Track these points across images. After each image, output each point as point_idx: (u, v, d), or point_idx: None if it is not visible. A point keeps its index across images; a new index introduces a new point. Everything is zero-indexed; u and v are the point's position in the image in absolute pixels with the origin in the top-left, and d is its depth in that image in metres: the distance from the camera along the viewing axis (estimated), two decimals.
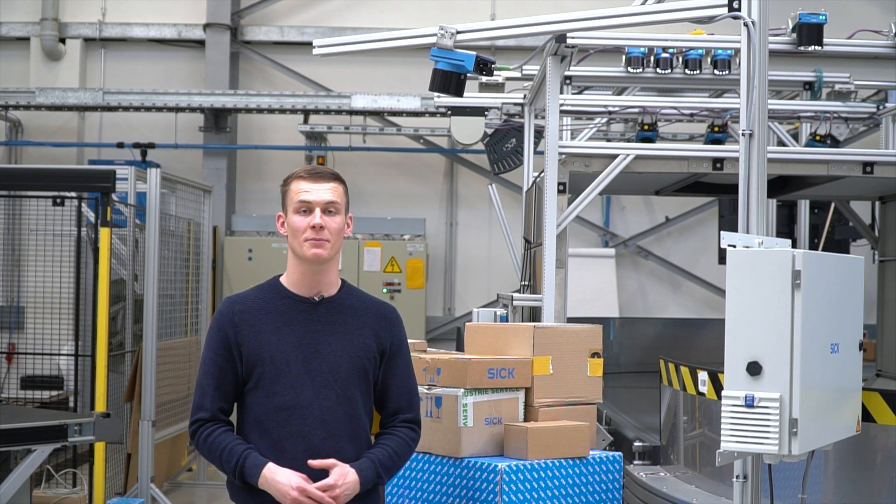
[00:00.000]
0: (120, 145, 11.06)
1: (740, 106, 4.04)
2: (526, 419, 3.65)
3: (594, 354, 3.82)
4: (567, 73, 5.85)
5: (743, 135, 4.00)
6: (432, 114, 10.75)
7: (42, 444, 4.81)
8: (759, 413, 3.21)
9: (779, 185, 6.27)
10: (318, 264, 3.11)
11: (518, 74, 6.77)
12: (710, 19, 4.27)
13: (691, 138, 10.52)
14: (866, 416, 4.41)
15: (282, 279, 3.19)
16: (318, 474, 3.00)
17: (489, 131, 7.18)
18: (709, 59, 5.76)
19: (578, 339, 3.80)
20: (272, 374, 3.06)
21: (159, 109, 10.96)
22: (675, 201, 11.11)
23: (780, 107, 6.18)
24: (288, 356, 3.07)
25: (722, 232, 3.44)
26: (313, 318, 3.12)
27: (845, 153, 5.68)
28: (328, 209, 3.09)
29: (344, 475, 2.99)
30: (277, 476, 2.95)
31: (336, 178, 3.15)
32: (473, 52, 4.51)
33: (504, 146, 7.29)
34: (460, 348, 5.28)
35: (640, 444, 6.05)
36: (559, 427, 3.54)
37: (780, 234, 7.33)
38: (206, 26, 11.32)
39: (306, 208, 3.08)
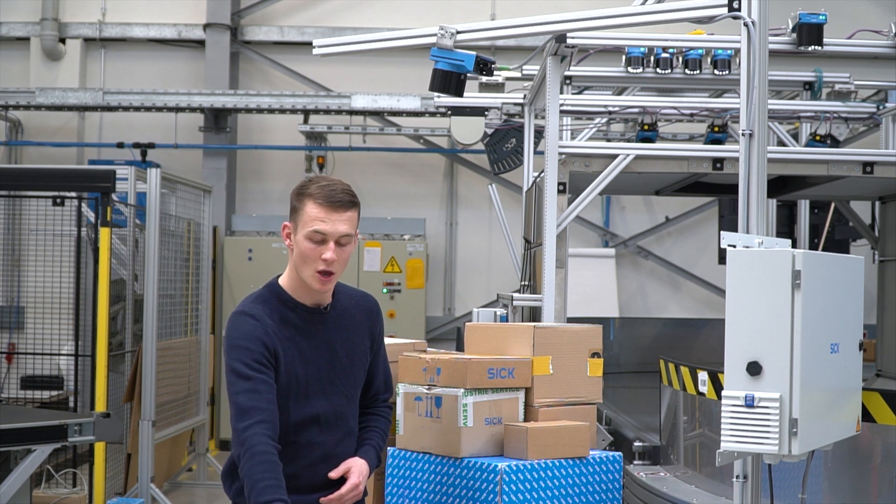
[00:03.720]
0: (120, 145, 11.06)
1: (740, 106, 4.04)
2: (526, 419, 3.64)
3: (594, 354, 3.81)
4: (567, 73, 5.85)
5: (743, 135, 4.00)
6: (432, 114, 10.75)
7: (42, 444, 4.82)
8: (759, 413, 3.21)
9: (779, 185, 6.26)
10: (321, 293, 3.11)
11: (518, 74, 6.76)
12: (710, 19, 4.27)
13: (691, 138, 10.52)
14: (866, 416, 4.41)
15: (283, 285, 3.12)
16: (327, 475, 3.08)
17: (489, 131, 7.18)
18: (709, 59, 5.76)
19: (578, 339, 3.79)
20: (295, 389, 3.04)
21: (159, 109, 10.96)
22: (675, 201, 11.10)
23: (780, 107, 6.18)
24: (309, 371, 3.07)
25: (722, 232, 3.44)
26: (327, 328, 3.13)
27: (845, 153, 5.67)
28: (341, 241, 3.03)
29: (360, 471, 3.10)
30: None
31: (353, 204, 3.05)
32: (473, 52, 4.51)
33: (504, 146, 7.29)
34: (460, 348, 5.28)
35: (640, 444, 6.05)
36: (559, 427, 3.54)
37: (780, 234, 7.33)
38: (206, 26, 11.31)
39: (321, 239, 3.01)
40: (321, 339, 3.11)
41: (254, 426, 2.87)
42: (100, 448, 6.58)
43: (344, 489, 3.05)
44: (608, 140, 9.86)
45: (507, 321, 5.66)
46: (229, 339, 3.00)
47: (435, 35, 4.47)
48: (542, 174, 5.45)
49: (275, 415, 2.93)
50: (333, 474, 3.06)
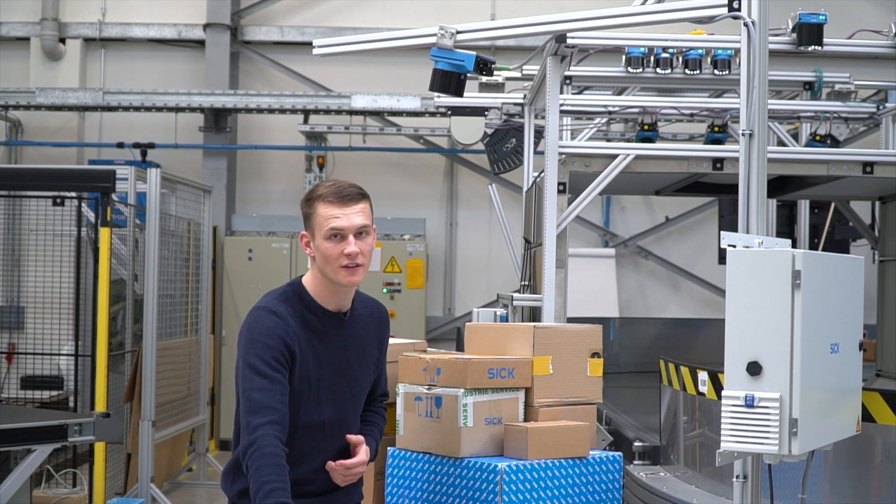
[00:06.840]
0: (120, 145, 11.06)
1: (740, 106, 4.04)
2: (526, 419, 3.64)
3: (594, 354, 3.81)
4: (567, 73, 5.85)
5: (743, 135, 4.00)
6: (432, 114, 10.75)
7: (42, 444, 4.82)
8: (759, 413, 3.21)
9: (779, 185, 6.26)
10: (352, 287, 3.11)
11: (518, 74, 6.76)
12: (710, 19, 4.27)
13: (691, 138, 10.52)
14: (866, 416, 4.41)
15: (306, 286, 3.10)
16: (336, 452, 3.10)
17: (489, 131, 7.17)
18: (709, 59, 5.75)
19: (578, 339, 3.79)
20: (307, 392, 3.04)
21: (159, 109, 10.96)
22: (675, 201, 11.10)
23: (780, 107, 6.18)
24: (321, 375, 3.07)
25: (722, 232, 3.44)
26: (343, 334, 3.12)
27: (845, 153, 5.67)
28: (360, 232, 3.03)
29: (367, 453, 3.15)
30: None
31: (363, 196, 3.07)
32: (473, 52, 4.51)
33: (504, 146, 7.29)
34: (460, 348, 5.28)
35: (640, 444, 6.05)
36: (559, 427, 3.54)
37: (780, 234, 7.33)
38: (206, 26, 11.31)
39: (338, 234, 3.01)
40: (336, 346, 3.10)
41: (266, 426, 2.86)
42: (100, 448, 6.58)
43: (354, 460, 3.07)
44: (608, 140, 9.86)
45: (507, 321, 5.66)
46: (250, 332, 2.97)
47: (435, 35, 4.47)
48: (542, 174, 5.45)
49: (286, 417, 2.92)
50: (351, 438, 3.11)
